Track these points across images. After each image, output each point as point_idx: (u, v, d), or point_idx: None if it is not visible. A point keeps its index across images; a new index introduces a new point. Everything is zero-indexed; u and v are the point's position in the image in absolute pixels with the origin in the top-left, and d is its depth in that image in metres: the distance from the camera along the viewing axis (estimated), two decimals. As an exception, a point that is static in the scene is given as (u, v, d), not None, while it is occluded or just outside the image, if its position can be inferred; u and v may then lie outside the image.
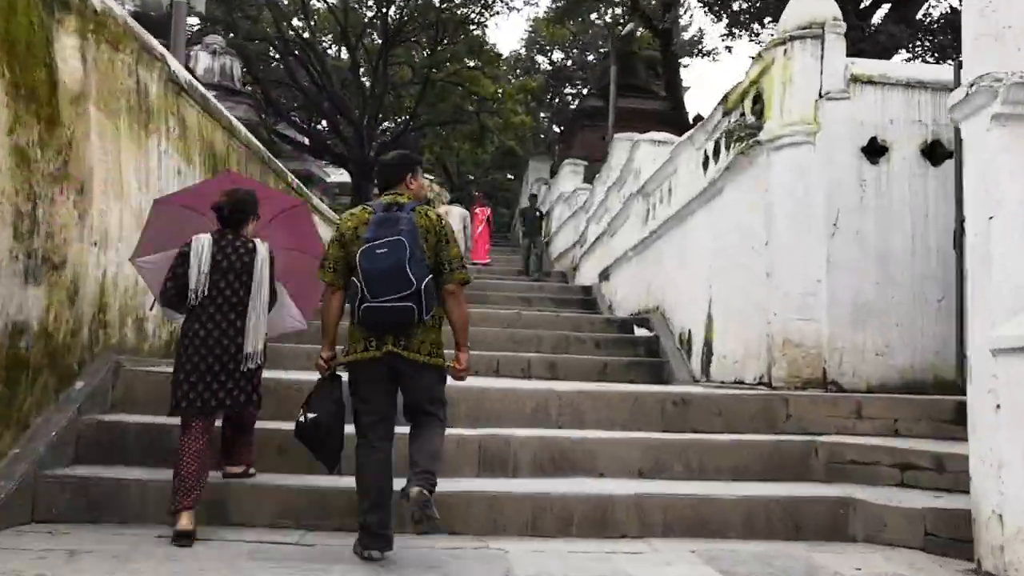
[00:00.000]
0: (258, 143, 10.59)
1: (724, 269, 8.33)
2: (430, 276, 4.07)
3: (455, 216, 19.64)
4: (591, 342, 10.56)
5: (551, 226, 23.29)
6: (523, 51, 62.31)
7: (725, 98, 8.63)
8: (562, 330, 11.18)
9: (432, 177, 56.75)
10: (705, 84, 79.17)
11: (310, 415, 4.28)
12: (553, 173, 31.57)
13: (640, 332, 10.79)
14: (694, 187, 9.27)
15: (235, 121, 9.54)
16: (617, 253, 13.17)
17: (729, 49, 62.12)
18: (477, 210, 21.06)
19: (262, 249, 4.85)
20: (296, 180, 12.75)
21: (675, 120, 29.83)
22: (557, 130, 69.48)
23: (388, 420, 4.25)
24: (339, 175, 44.67)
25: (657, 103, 28.22)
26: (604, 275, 14.10)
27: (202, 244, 4.72)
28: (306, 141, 37.30)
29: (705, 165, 9.01)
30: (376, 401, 4.20)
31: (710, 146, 8.87)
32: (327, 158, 36.72)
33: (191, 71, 23.68)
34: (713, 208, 8.67)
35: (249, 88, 29.01)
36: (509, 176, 73.67)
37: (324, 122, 38.93)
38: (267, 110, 37.28)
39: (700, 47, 33.90)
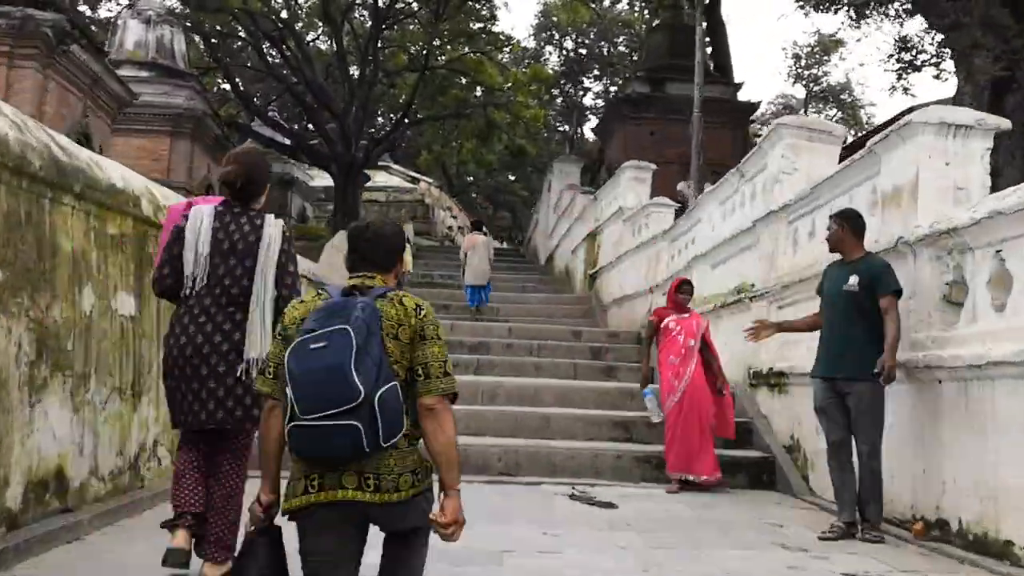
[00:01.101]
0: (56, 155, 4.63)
1: None
2: (392, 384, 2.85)
3: (480, 248, 15.30)
4: None
5: (595, 252, 17.20)
6: (532, 40, 56.82)
7: None
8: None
9: (431, 180, 50.67)
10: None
11: None
12: (592, 179, 25.51)
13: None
14: None
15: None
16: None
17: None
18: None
19: (271, 227, 3.99)
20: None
21: (736, 108, 23.80)
22: (566, 127, 64.21)
23: None
24: (325, 178, 38.40)
25: (720, 88, 22.17)
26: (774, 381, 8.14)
27: (201, 217, 3.99)
28: (286, 141, 30.99)
29: None
30: (330, 569, 2.95)
31: None
32: (304, 158, 30.53)
33: (104, 45, 17.57)
34: None
35: (195, 71, 22.77)
36: (511, 177, 68.17)
37: (305, 117, 32.93)
38: (236, 102, 31.36)
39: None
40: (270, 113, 35.55)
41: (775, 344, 7.67)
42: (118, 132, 17.96)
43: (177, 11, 22.92)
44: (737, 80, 25.23)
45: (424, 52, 31.32)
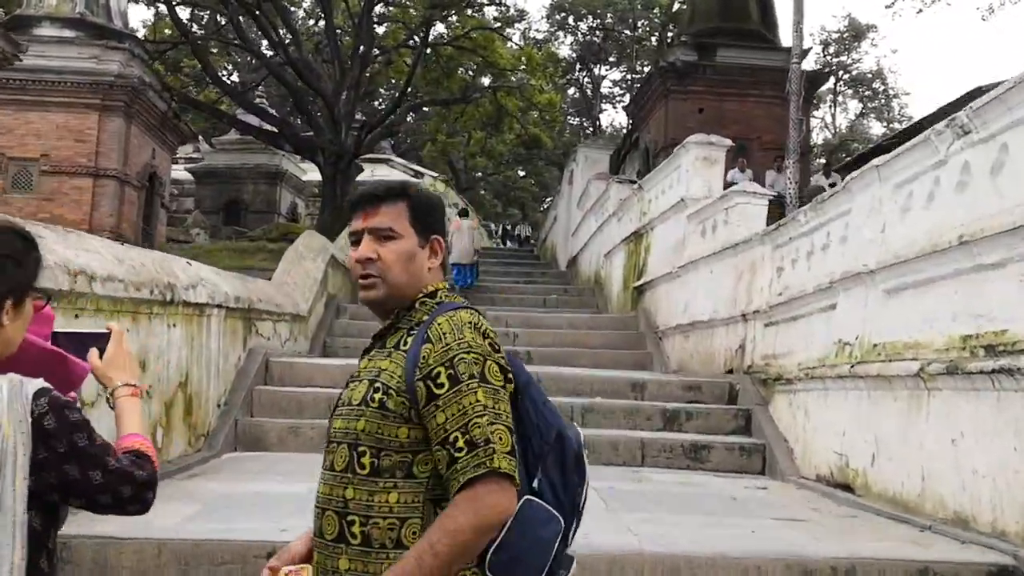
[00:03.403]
0: None
1: None
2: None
3: (465, 232, 16.24)
4: None
5: (640, 258, 13.14)
6: (544, 23, 52.62)
7: None
8: None
9: (436, 174, 46.59)
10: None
11: None
12: (617, 169, 21.40)
13: None
14: None
15: None
16: None
17: None
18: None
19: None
20: None
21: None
22: (580, 120, 59.97)
23: None
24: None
25: (781, 56, 18.10)
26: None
27: None
28: (270, 127, 26.87)
29: None
30: None
31: None
32: (287, 147, 26.48)
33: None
34: None
35: (142, 34, 18.66)
36: (521, 173, 63.97)
37: (290, 101, 28.85)
38: (207, 82, 27.34)
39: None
40: (258, 98, 31.59)
41: None
42: (30, 106, 14.03)
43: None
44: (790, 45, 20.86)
45: (424, 24, 27.17)
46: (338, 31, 27.81)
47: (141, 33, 24.90)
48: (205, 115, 25.59)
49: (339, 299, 12.91)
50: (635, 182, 16.09)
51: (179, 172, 38.36)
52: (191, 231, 24.58)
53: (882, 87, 57.66)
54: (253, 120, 25.85)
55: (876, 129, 54.85)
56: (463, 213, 18.48)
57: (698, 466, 7.04)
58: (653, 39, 46.83)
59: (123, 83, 15.29)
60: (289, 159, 36.09)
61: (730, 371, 8.90)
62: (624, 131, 31.92)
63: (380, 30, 32.12)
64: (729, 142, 11.10)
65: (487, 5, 28.95)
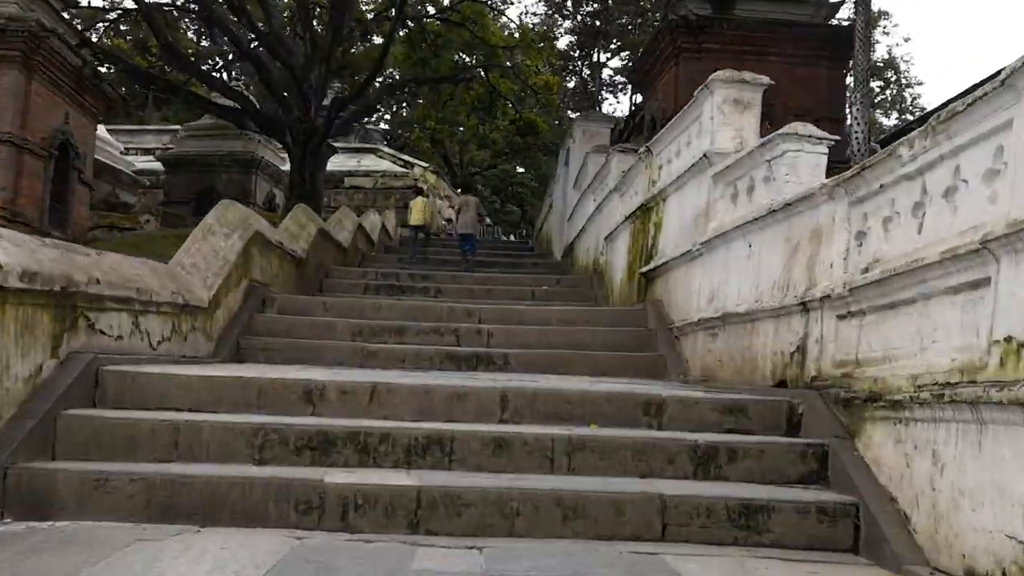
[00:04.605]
0: None
1: None
2: None
3: (471, 206, 18.28)
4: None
5: (648, 237, 10.51)
6: (542, 6, 49.76)
7: None
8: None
9: (426, 165, 43.88)
10: None
11: None
12: (621, 143, 18.71)
13: None
14: None
15: None
16: None
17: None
18: None
19: None
20: None
21: (832, 37, 16.87)
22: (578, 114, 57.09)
23: None
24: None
25: (809, 9, 15.49)
26: None
27: None
28: (230, 104, 24.14)
29: None
30: None
31: None
32: (251, 126, 23.80)
33: None
34: None
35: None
36: (520, 169, 61.16)
37: (255, 76, 26.18)
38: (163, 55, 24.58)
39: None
40: (215, 73, 28.97)
41: None
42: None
43: None
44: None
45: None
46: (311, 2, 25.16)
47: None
48: (154, 89, 22.90)
49: (272, 289, 10.25)
50: (633, 149, 13.48)
51: (151, 163, 35.88)
52: (140, 218, 21.93)
53: (894, 76, 55.04)
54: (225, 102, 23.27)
55: (887, 122, 52.12)
56: (468, 189, 22.38)
57: (753, 540, 4.39)
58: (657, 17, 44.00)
59: (18, 27, 12.54)
60: (266, 145, 33.50)
61: (782, 383, 6.23)
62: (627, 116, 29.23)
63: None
64: (766, 79, 8.41)
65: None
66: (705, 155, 8.47)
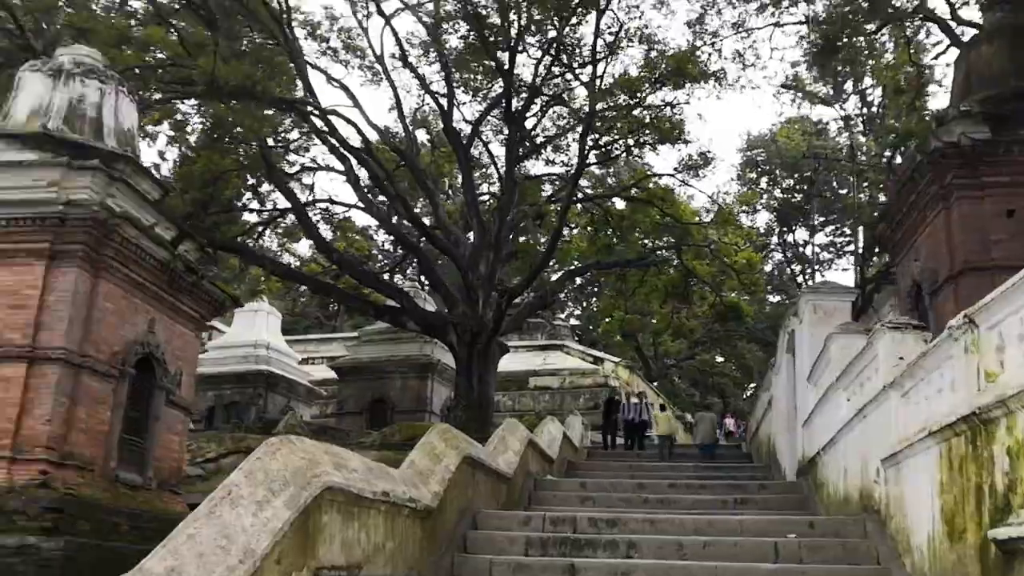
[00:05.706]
0: None
1: None
2: None
3: (707, 421, 19.77)
4: None
5: (993, 473, 5.79)
6: (735, 184, 46.32)
7: None
8: None
9: (617, 359, 40.07)
10: None
11: None
12: (855, 318, 14.18)
13: None
14: None
15: None
16: None
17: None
18: None
19: None
20: None
21: None
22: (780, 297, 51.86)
23: None
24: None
25: None
26: None
27: None
28: (391, 303, 21.66)
29: None
30: None
31: None
32: (412, 325, 21.04)
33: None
34: None
35: (135, 154, 13.90)
36: (719, 359, 56.18)
37: (415, 269, 23.89)
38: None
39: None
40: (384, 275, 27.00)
41: None
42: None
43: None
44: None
45: (580, 164, 21.63)
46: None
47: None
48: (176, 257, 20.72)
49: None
50: (919, 325, 9.05)
51: (325, 371, 34.43)
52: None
53: None
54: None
55: None
56: (706, 407, 22.26)
57: None
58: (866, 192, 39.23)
59: (81, 215, 9.94)
60: (442, 347, 30.96)
61: None
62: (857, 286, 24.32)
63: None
64: None
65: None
66: None
